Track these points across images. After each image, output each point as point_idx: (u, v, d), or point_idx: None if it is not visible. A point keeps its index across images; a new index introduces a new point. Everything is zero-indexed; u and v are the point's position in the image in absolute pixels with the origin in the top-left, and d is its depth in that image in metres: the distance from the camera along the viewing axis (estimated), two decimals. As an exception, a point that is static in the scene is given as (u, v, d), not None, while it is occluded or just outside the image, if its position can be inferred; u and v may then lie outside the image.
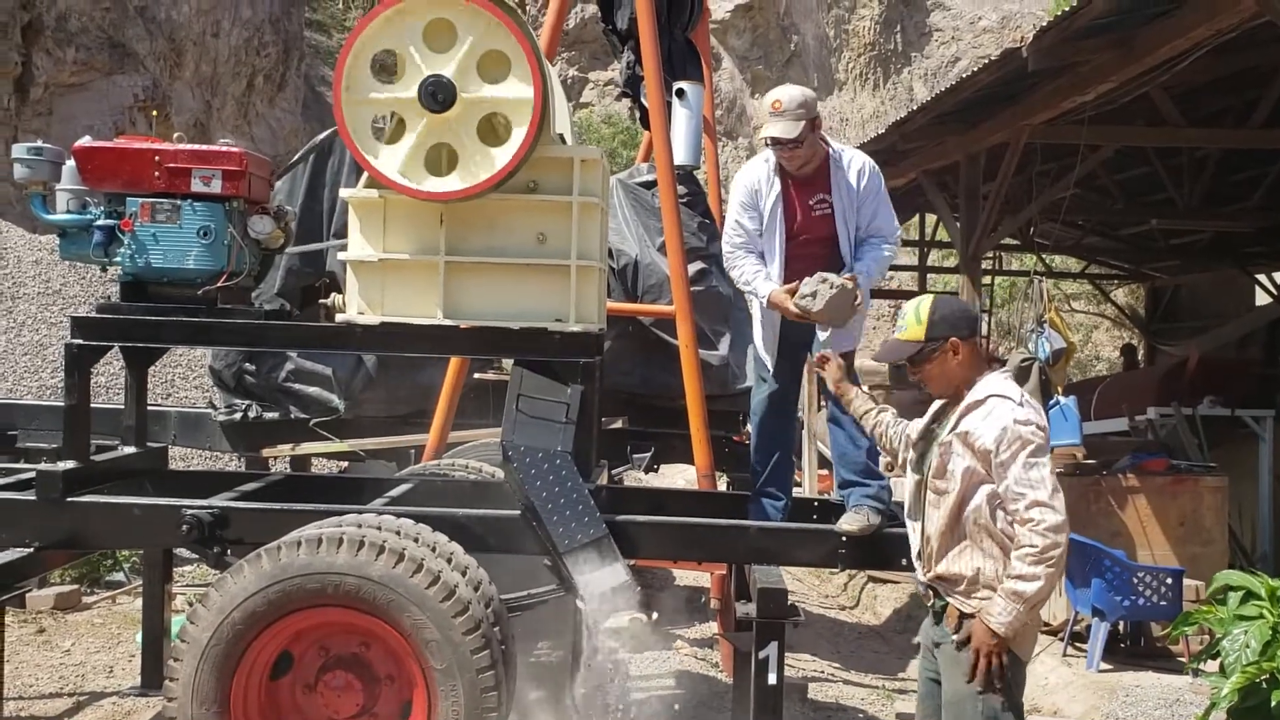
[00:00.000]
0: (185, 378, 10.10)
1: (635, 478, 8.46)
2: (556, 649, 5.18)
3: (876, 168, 4.71)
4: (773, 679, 4.10)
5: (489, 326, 4.39)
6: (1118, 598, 7.14)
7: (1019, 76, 7.13)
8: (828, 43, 36.01)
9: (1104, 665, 7.21)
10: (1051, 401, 7.42)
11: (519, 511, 4.29)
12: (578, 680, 4.64)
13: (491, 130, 4.30)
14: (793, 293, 4.52)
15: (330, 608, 3.88)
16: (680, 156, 6.99)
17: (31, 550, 4.36)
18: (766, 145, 4.73)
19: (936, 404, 3.65)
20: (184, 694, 3.79)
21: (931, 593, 3.50)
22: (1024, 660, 3.43)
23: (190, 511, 4.29)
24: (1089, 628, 7.41)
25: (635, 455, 6.78)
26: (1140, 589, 7.20)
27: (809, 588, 9.23)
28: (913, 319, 3.51)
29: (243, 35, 26.93)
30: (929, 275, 17.51)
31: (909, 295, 20.30)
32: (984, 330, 16.66)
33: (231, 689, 3.83)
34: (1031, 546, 3.20)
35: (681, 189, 7.15)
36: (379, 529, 3.98)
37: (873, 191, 4.67)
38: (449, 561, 3.96)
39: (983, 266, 17.12)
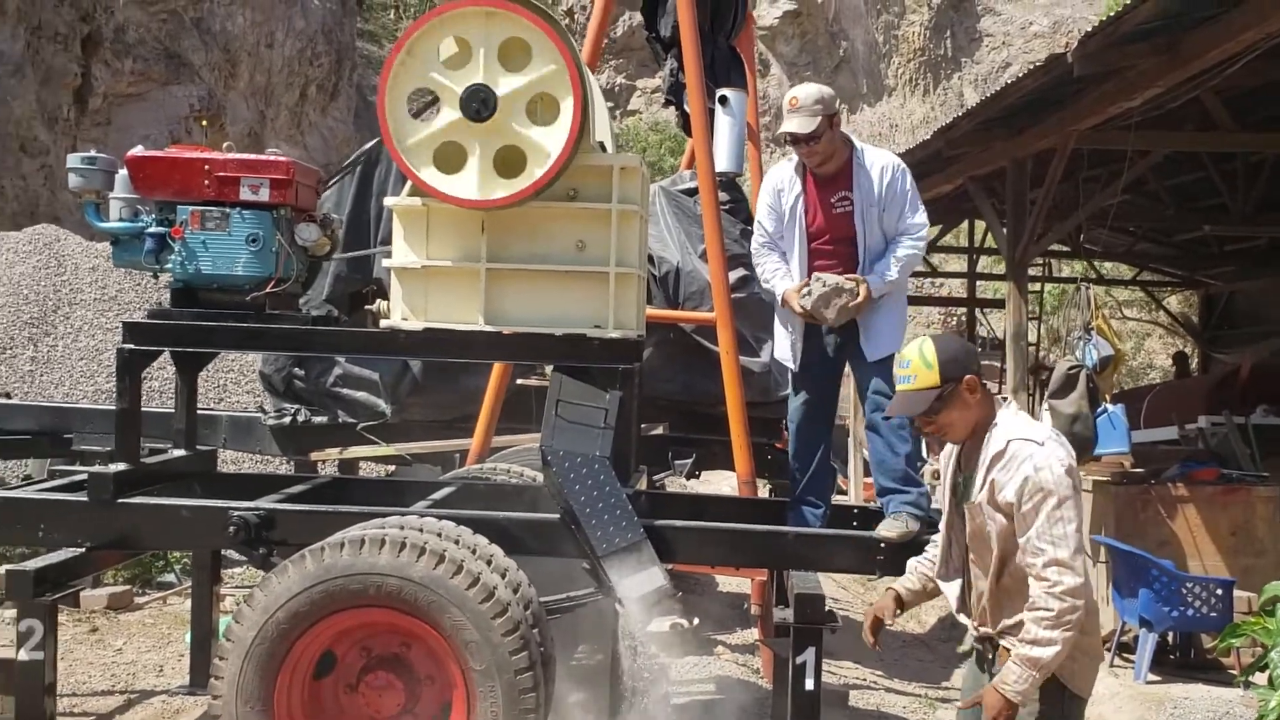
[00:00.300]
0: (237, 382, 10.26)
1: (680, 484, 8.48)
2: (597, 652, 5.21)
3: (903, 167, 4.72)
4: (810, 684, 4.11)
5: (529, 332, 4.45)
6: (1166, 608, 7.05)
7: (1065, 82, 7.08)
8: (877, 48, 35.84)
9: (1152, 677, 7.12)
10: (1099, 409, 7.35)
11: (558, 515, 4.33)
12: (617, 683, 4.69)
13: (515, 150, 4.35)
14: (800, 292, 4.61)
15: (372, 608, 3.93)
16: (723, 163, 7.02)
17: (83, 550, 4.47)
18: (786, 142, 4.81)
19: (951, 449, 3.50)
20: (229, 692, 3.86)
21: (986, 644, 3.42)
22: (1083, 696, 3.32)
23: (237, 513, 4.38)
24: (1137, 638, 7.32)
25: (677, 461, 6.80)
26: (1189, 600, 7.11)
27: (854, 595, 9.20)
28: (920, 365, 3.32)
29: (296, 46, 27.34)
30: (978, 282, 17.37)
31: (960, 302, 20.20)
32: (1034, 337, 16.50)
33: (275, 688, 3.90)
34: (1048, 611, 3.08)
35: (724, 196, 7.17)
36: (421, 531, 4.04)
37: (898, 190, 4.68)
38: (489, 564, 4.01)
39: (1031, 273, 17.04)
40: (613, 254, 4.39)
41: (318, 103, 28.12)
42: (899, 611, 3.67)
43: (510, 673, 3.85)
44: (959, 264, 18.81)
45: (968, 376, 3.29)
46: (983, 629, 3.40)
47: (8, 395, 8.10)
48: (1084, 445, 7.35)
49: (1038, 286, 16.96)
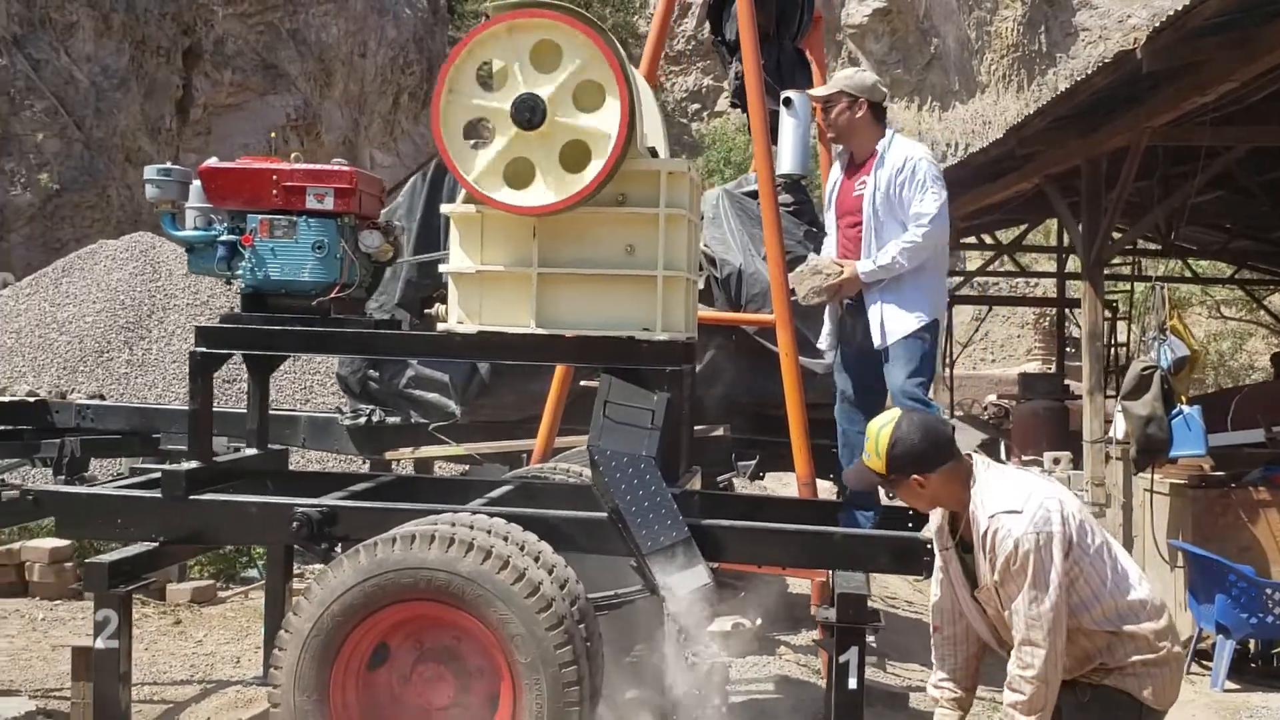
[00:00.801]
0: (323, 384, 10.54)
1: (745, 486, 8.52)
2: (653, 650, 5.29)
3: (923, 158, 4.77)
4: (853, 683, 4.13)
5: (579, 335, 4.54)
6: (1244, 615, 6.91)
7: (1139, 78, 6.97)
8: (969, 45, 35.31)
9: (1230, 685, 6.98)
10: (1174, 411, 7.21)
11: (607, 514, 4.42)
12: (668, 681, 4.76)
13: (579, 144, 4.44)
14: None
15: (423, 602, 4.06)
16: (787, 165, 7.05)
17: (157, 544, 4.68)
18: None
19: (935, 523, 3.50)
20: (287, 682, 4.02)
21: (1072, 690, 3.34)
22: (1160, 709, 3.29)
23: (300, 509, 4.53)
24: (1215, 645, 7.18)
25: (740, 463, 6.84)
26: (1270, 606, 6.95)
27: (928, 597, 9.13)
28: (873, 447, 3.31)
29: (388, 54, 27.93)
30: (1067, 281, 17.06)
31: (1049, 302, 19.83)
32: (1124, 337, 16.12)
33: (331, 678, 4.04)
34: (1021, 695, 3.13)
35: (788, 198, 7.21)
36: (470, 527, 4.16)
37: (910, 178, 4.77)
38: (536, 560, 4.11)
39: (1123, 272, 16.68)
40: (660, 257, 4.46)
41: (410, 110, 28.68)
42: None
43: (555, 666, 3.94)
44: (1050, 263, 18.50)
45: (915, 477, 3.26)
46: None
47: (101, 397, 8.45)
48: (1158, 447, 7.23)
49: (1126, 286, 16.62)
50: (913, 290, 4.74)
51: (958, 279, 16.87)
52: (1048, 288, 23.54)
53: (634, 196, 4.50)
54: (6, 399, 7.25)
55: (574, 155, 4.39)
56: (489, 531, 4.15)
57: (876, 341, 4.75)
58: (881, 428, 3.31)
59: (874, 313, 4.78)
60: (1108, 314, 16.15)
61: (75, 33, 21.86)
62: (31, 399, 7.21)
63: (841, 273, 4.76)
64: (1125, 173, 7.64)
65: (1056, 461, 10.11)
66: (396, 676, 4.20)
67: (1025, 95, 34.22)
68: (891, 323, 4.74)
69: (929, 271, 4.78)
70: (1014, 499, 3.17)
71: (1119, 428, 7.59)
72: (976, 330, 24.31)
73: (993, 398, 18.93)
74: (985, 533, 3.18)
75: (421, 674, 4.15)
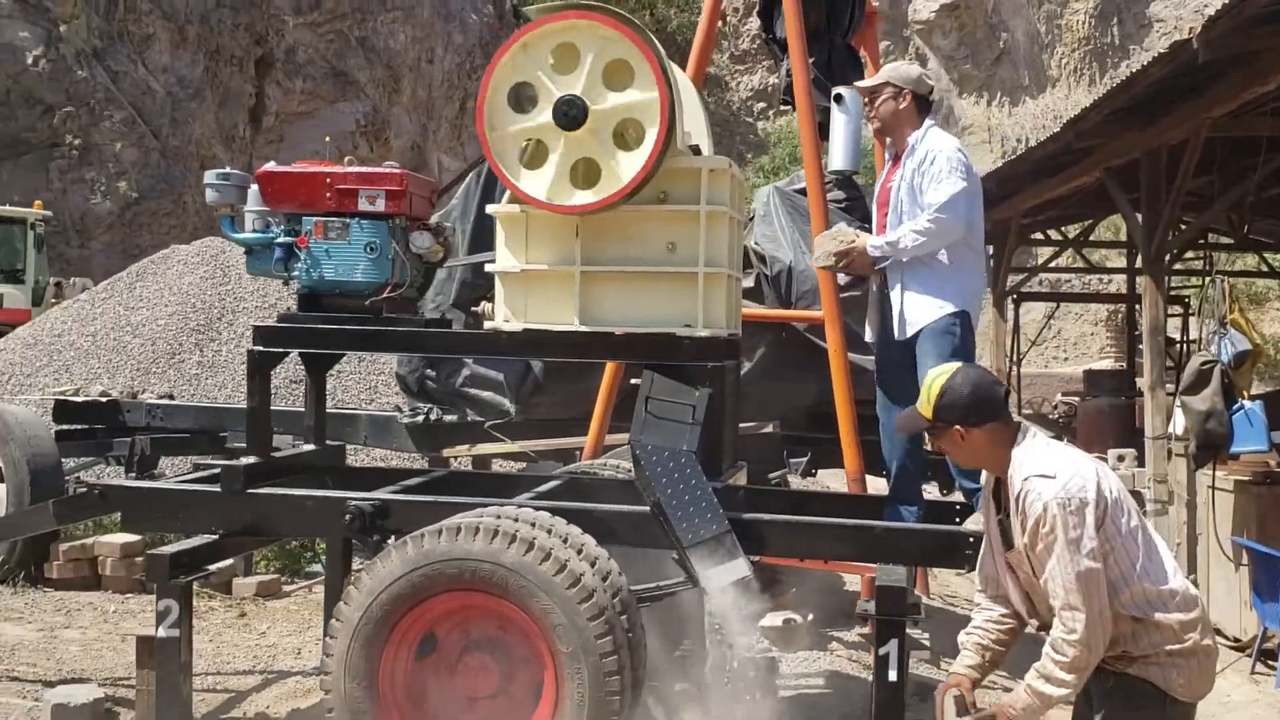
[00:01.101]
0: (388, 384, 10.73)
1: (799, 482, 8.52)
2: (700, 644, 5.34)
3: (945, 152, 4.75)
4: (893, 675, 4.14)
5: (622, 332, 4.61)
6: (1309, 613, 6.78)
7: (1197, 69, 6.86)
8: (1039, 39, 34.79)
9: (1294, 684, 6.84)
10: (1236, 406, 7.09)
11: (649, 507, 4.48)
12: (710, 672, 4.81)
13: (624, 145, 4.52)
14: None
15: (468, 592, 4.15)
16: (838, 162, 7.08)
17: (217, 537, 4.84)
18: None
19: (988, 478, 3.51)
20: (337, 669, 4.14)
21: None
22: (1189, 701, 3.25)
23: (353, 503, 4.66)
24: None
25: (792, 460, 6.87)
26: (1337, 605, 6.81)
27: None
28: (924, 394, 3.38)
29: (455, 60, 28.29)
30: (1137, 276, 16.76)
31: (1117, 299, 19.50)
32: (1195, 333, 15.80)
33: (380, 666, 4.16)
34: (1063, 657, 3.10)
35: (840, 194, 7.23)
36: (515, 520, 4.25)
37: (930, 169, 4.77)
38: (578, 552, 4.18)
39: (1196, 266, 16.34)
40: (701, 254, 4.52)
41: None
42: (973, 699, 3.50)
43: (596, 655, 4.01)
44: (1120, 259, 18.21)
45: (958, 427, 3.31)
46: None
47: (171, 397, 8.70)
48: (1218, 442, 7.12)
49: (1199, 281, 16.29)
50: (934, 278, 4.71)
51: (1021, 276, 16.66)
52: (1121, 284, 23.16)
53: (675, 194, 4.57)
54: (80, 399, 7.50)
55: (589, 173, 4.48)
56: (533, 524, 4.23)
57: (897, 332, 4.76)
58: (936, 377, 3.39)
59: (895, 301, 4.79)
60: (1178, 309, 15.86)
61: (152, 45, 22.46)
62: (104, 399, 7.46)
63: (854, 242, 4.81)
64: (1185, 165, 7.52)
65: (1121, 459, 9.97)
66: (444, 665, 4.30)
67: (1097, 89, 33.61)
68: (912, 312, 4.73)
69: (955, 262, 4.73)
70: (1050, 465, 3.20)
71: (1178, 423, 7.48)
72: (1045, 327, 23.96)
73: (1061, 395, 18.67)
74: (1019, 495, 3.22)
75: (468, 663, 4.24)
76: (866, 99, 5.11)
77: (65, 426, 7.37)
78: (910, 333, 4.72)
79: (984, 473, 3.54)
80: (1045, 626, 3.35)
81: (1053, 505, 3.12)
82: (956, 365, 3.47)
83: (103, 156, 21.38)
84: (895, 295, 4.78)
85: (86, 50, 21.53)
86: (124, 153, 21.58)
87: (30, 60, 20.86)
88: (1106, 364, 21.52)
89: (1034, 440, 3.32)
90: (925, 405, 3.37)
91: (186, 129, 22.67)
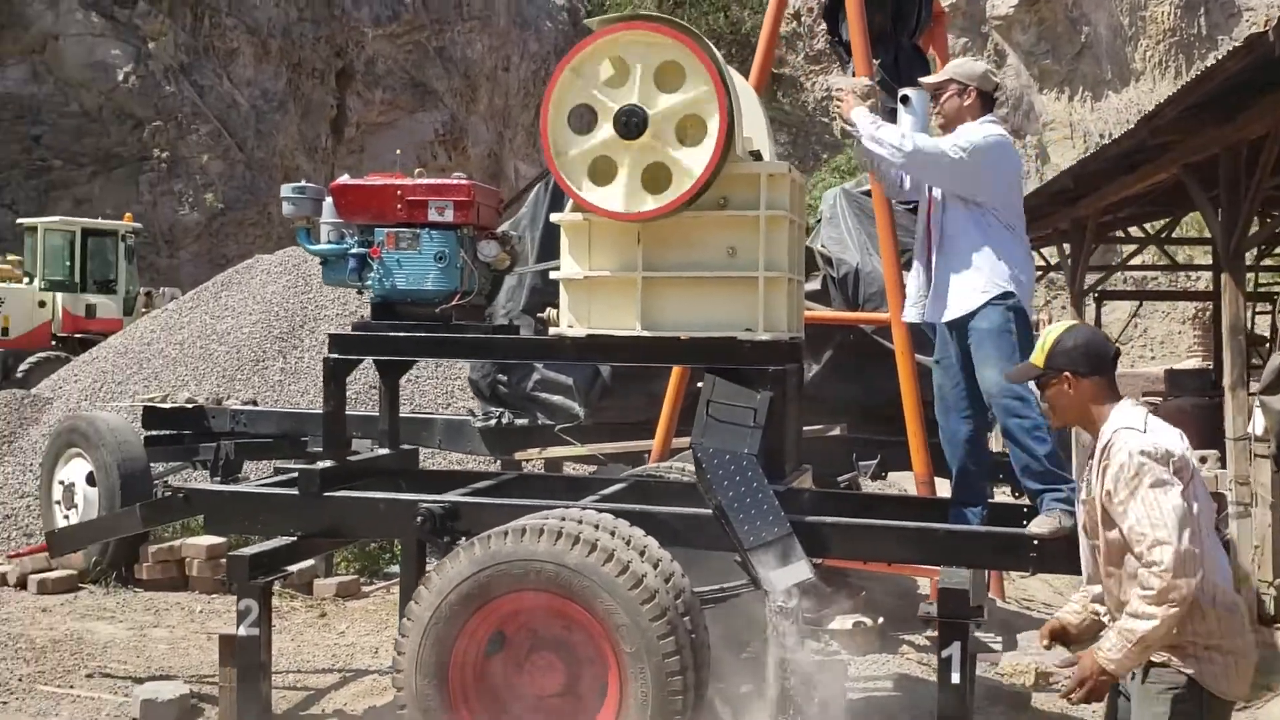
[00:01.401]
0: (463, 389, 10.90)
1: (869, 485, 8.49)
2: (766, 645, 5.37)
3: (990, 138, 4.71)
4: (956, 678, 4.16)
5: (683, 336, 4.68)
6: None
7: (1275, 61, 6.71)
8: (1122, 31, 34.10)
9: (1383, 691, 6.65)
10: (1318, 406, 6.92)
11: (711, 510, 4.53)
12: (775, 674, 4.84)
13: (662, 167, 4.58)
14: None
15: (534, 592, 4.25)
16: (905, 163, 7.04)
17: (295, 538, 5.01)
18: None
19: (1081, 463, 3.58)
20: (409, 667, 4.27)
21: None
22: (1226, 698, 3.24)
23: (424, 505, 4.79)
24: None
25: (861, 463, 6.86)
26: None
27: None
28: (1040, 344, 3.48)
29: (530, 68, 28.60)
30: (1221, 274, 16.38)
31: (1207, 297, 19.04)
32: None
33: (450, 664, 4.28)
34: (1148, 590, 3.06)
35: (907, 196, 7.20)
36: (579, 522, 4.34)
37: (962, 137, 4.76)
38: (641, 554, 4.25)
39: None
40: (761, 258, 4.57)
41: (552, 121, 29.13)
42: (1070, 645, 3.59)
43: (659, 656, 4.08)
44: (1205, 256, 17.80)
45: (1067, 373, 3.37)
46: (1114, 622, 3.39)
47: (254, 402, 8.95)
48: (1300, 444, 6.96)
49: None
50: (970, 264, 4.65)
51: (1099, 274, 16.36)
52: (1208, 281, 22.61)
53: (735, 199, 4.62)
54: (168, 406, 7.77)
55: (658, 176, 4.55)
56: (596, 526, 4.32)
57: (930, 314, 4.73)
58: (1053, 330, 3.49)
59: (936, 284, 4.75)
60: (1266, 307, 15.45)
61: (236, 59, 23.06)
62: (190, 405, 7.71)
63: (855, 91, 4.95)
64: (1264, 160, 7.36)
65: (1203, 460, 9.75)
66: (512, 663, 4.41)
67: (1184, 82, 32.82)
68: (955, 294, 4.67)
69: (993, 243, 4.64)
70: (1143, 424, 3.26)
71: (1258, 423, 7.33)
72: (1129, 326, 23.48)
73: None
74: (1106, 444, 3.27)
75: (535, 661, 4.34)
76: (931, 95, 5.11)
77: (154, 432, 7.63)
78: (949, 317, 4.68)
79: (1076, 460, 3.57)
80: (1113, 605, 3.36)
81: (1138, 455, 3.15)
82: (1074, 322, 3.58)
83: (190, 169, 22.00)
84: (940, 277, 4.74)
85: (174, 66, 22.17)
86: (210, 165, 22.18)
87: (121, 77, 21.55)
88: (1193, 363, 21.03)
89: (1134, 406, 3.39)
90: (1039, 354, 3.46)
91: (270, 141, 23.22)
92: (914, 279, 5.01)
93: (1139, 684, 3.25)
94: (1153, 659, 3.20)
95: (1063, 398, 3.42)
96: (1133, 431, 3.22)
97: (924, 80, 5.19)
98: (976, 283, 4.65)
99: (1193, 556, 3.06)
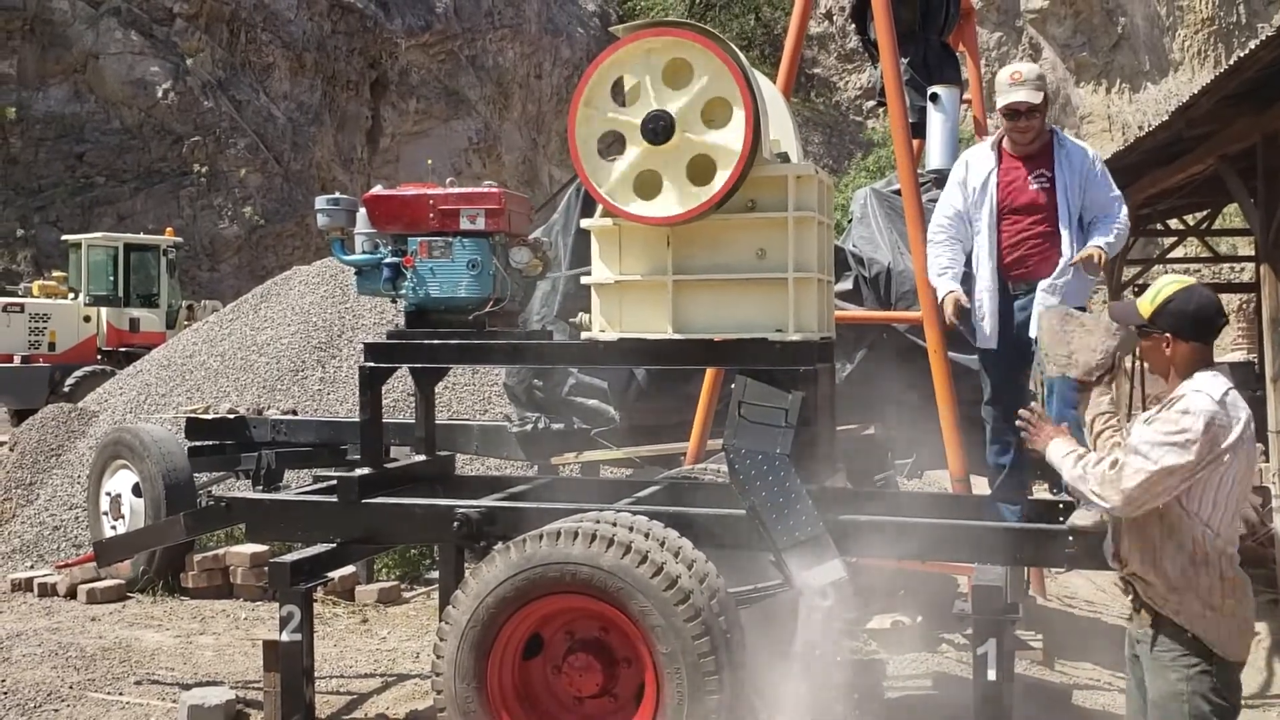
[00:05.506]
0: (500, 395, 10.97)
1: (905, 484, 8.47)
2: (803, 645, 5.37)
3: (1098, 154, 4.80)
4: (992, 675, 4.15)
5: (714, 338, 4.70)
6: None
7: (1311, 49, 6.64)
8: (1159, 22, 33.77)
9: None
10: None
11: (745, 511, 4.55)
12: (812, 673, 4.85)
13: (705, 158, 4.59)
14: (963, 309, 4.98)
15: (570, 594, 4.29)
16: (935, 160, 7.06)
17: (334, 545, 5.08)
18: (1004, 115, 5.11)
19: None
20: (448, 670, 4.32)
21: (1130, 586, 3.49)
22: (1233, 660, 3.33)
23: (461, 510, 4.85)
24: None
25: (897, 461, 6.85)
26: None
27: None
28: (1150, 295, 3.45)
29: (563, 74, 28.72)
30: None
31: (1250, 289, 18.79)
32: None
33: (488, 667, 4.32)
34: (1108, 479, 3.25)
35: (938, 193, 7.18)
36: (614, 525, 4.37)
37: (1099, 175, 4.84)
38: (676, 555, 4.28)
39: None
40: (790, 260, 4.58)
41: (585, 126, 29.27)
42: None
43: (694, 656, 4.11)
44: (1248, 247, 17.58)
45: (1169, 335, 3.37)
46: (1123, 568, 3.50)
47: (294, 412, 9.06)
48: (1344, 435, 6.87)
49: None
50: (1073, 276, 4.79)
51: (1138, 267, 16.22)
52: (1252, 272, 22.29)
53: (763, 201, 4.64)
54: (210, 416, 7.88)
55: (701, 168, 4.56)
56: (630, 528, 4.35)
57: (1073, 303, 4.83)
58: (1170, 283, 3.45)
59: (1039, 302, 4.82)
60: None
61: (272, 73, 23.33)
62: (232, 416, 7.82)
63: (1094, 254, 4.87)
64: (1300, 148, 7.30)
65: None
66: (549, 665, 4.45)
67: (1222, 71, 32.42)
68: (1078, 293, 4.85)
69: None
70: (1220, 395, 3.26)
71: (1298, 416, 7.25)
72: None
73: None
74: (1173, 397, 3.31)
75: (572, 663, 4.37)
76: (1028, 113, 5.04)
77: (197, 443, 7.74)
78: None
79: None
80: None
81: (1195, 413, 3.19)
82: (1189, 281, 3.50)
83: (229, 183, 22.28)
84: (1039, 296, 4.86)
85: (211, 81, 22.47)
86: (249, 178, 22.46)
87: (160, 94, 21.86)
88: (1238, 355, 20.75)
89: (1218, 377, 3.38)
90: (1146, 304, 3.43)
91: (307, 153, 23.47)
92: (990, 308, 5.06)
93: (1149, 652, 3.36)
94: (1161, 610, 3.33)
95: (1156, 353, 3.43)
96: (1204, 396, 3.24)
97: (1032, 100, 5.04)
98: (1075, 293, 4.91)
99: (1145, 499, 3.22)
